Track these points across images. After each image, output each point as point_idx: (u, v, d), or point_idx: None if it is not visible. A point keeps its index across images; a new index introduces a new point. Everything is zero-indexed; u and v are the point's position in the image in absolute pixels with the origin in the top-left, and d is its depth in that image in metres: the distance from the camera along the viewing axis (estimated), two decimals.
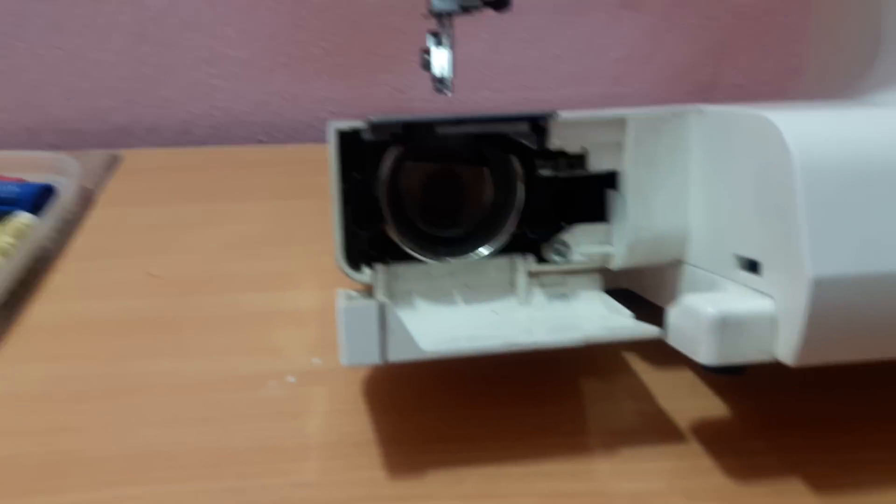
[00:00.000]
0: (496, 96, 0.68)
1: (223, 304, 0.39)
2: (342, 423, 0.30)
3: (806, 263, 0.22)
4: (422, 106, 0.67)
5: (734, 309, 0.24)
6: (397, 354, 0.25)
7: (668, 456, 0.27)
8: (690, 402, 0.30)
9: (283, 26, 0.64)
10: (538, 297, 0.31)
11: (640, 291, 0.34)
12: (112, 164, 0.59)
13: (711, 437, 0.28)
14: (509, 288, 0.31)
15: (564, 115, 0.29)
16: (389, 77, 0.66)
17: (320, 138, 0.66)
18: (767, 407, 0.30)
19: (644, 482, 0.26)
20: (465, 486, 0.26)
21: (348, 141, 0.29)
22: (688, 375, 0.32)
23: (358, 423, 0.29)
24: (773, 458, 0.27)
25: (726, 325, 0.24)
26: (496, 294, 0.31)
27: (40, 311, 0.38)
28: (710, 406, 0.30)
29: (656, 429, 0.29)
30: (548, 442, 0.28)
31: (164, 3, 0.62)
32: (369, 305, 0.25)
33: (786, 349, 0.24)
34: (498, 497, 0.26)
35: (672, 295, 0.31)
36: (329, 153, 0.30)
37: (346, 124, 0.29)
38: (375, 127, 0.29)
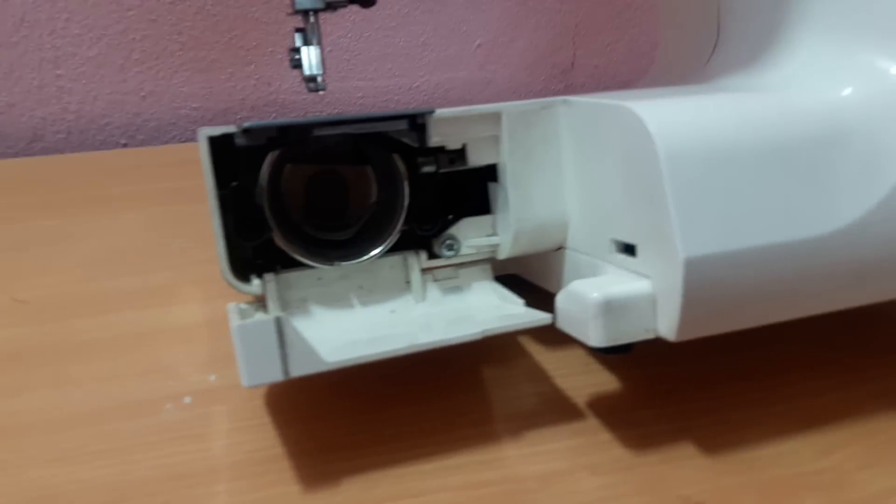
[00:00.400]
0: (366, 85, 0.68)
1: (103, 325, 0.37)
2: (246, 440, 0.29)
3: (677, 245, 0.24)
4: (290, 98, 0.66)
5: (616, 292, 0.25)
6: (299, 369, 0.24)
7: (569, 434, 0.29)
8: (584, 379, 0.32)
9: (133, 20, 0.60)
10: (433, 292, 0.32)
11: (527, 277, 0.35)
12: None
13: (606, 410, 0.30)
14: (405, 286, 0.32)
15: (441, 111, 0.29)
16: (253, 69, 0.65)
17: (185, 137, 0.64)
18: (653, 376, 0.32)
19: (550, 462, 0.27)
20: (380, 489, 0.26)
21: (221, 147, 0.28)
22: (579, 353, 0.34)
23: (263, 439, 0.29)
24: (664, 426, 0.29)
25: (610, 308, 0.25)
26: (392, 293, 0.32)
27: None
28: (602, 381, 0.32)
29: (556, 408, 0.30)
30: (455, 435, 0.29)
31: None
32: (265, 321, 0.24)
33: (666, 326, 0.25)
34: (412, 496, 0.26)
35: (557, 279, 0.32)
36: (202, 162, 0.28)
37: (218, 130, 0.28)
38: (249, 132, 0.28)
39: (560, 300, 0.27)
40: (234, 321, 0.25)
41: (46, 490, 0.26)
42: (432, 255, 0.32)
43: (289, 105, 0.64)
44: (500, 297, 0.32)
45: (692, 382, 0.32)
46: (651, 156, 0.25)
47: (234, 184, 0.29)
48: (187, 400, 0.31)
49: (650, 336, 0.26)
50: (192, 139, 0.63)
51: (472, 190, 0.31)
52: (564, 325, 0.27)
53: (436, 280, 0.32)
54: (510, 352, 0.34)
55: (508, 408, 0.30)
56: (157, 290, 0.40)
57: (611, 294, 0.25)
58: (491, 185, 0.31)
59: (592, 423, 0.30)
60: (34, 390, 0.32)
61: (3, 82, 0.59)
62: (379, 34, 0.67)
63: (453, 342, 0.26)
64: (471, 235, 0.32)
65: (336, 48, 0.64)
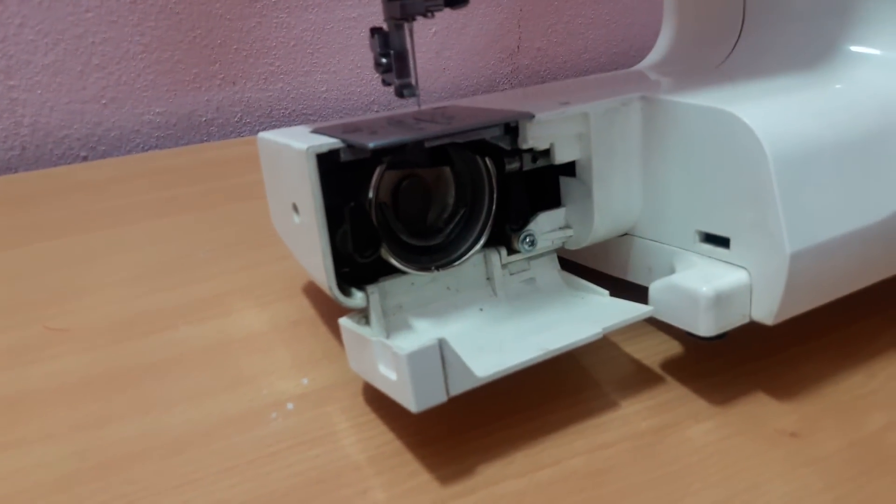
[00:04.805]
0: (329, 78, 0.68)
1: (163, 344, 0.37)
2: (370, 436, 0.30)
3: (784, 241, 0.27)
4: (255, 96, 0.65)
5: (723, 285, 0.28)
6: (457, 387, 0.25)
7: (661, 391, 0.32)
8: (643, 343, 0.35)
9: (92, 23, 0.57)
10: (511, 285, 0.34)
11: (580, 261, 0.38)
12: None
13: (677, 368, 0.33)
14: (485, 282, 0.33)
15: (540, 116, 0.31)
16: (218, 68, 0.63)
17: (148, 145, 0.62)
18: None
19: (658, 416, 0.30)
20: (515, 465, 0.28)
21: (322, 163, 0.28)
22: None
23: (387, 432, 0.30)
24: (730, 374, 0.33)
25: (719, 301, 0.28)
26: (477, 291, 0.33)
27: None
28: (658, 341, 0.35)
29: (639, 370, 0.33)
30: (562, 403, 0.31)
31: None
32: (432, 347, 0.25)
33: (765, 312, 0.29)
34: (550, 466, 0.28)
35: (623, 265, 0.35)
36: (308, 181, 0.28)
37: (324, 147, 0.28)
38: (353, 148, 0.28)
39: (659, 292, 0.30)
40: (400, 349, 0.25)
41: None
42: (510, 251, 0.33)
43: (253, 103, 0.63)
44: (575, 287, 0.34)
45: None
46: (758, 159, 0.27)
47: (351, 204, 0.29)
48: (290, 406, 0.32)
49: (745, 321, 0.29)
50: (156, 147, 0.61)
51: (549, 186, 0.34)
52: (665, 315, 0.30)
53: (511, 274, 0.34)
54: None
55: (599, 374, 0.33)
56: (203, 302, 0.40)
57: (720, 288, 0.28)
58: (563, 180, 0.34)
59: (671, 379, 0.33)
60: (121, 419, 0.31)
61: None
62: (341, 26, 0.67)
63: (580, 344, 0.29)
64: (546, 229, 0.34)
65: (299, 42, 0.64)
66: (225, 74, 0.63)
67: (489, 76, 0.74)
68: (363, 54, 0.69)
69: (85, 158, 0.61)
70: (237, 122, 0.63)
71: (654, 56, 0.44)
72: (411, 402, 0.25)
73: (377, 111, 0.69)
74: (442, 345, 0.25)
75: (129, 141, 0.62)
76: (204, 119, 0.62)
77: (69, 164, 0.60)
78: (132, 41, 0.59)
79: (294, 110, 0.65)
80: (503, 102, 0.36)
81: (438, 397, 0.25)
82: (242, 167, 0.57)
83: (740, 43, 0.38)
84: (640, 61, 0.44)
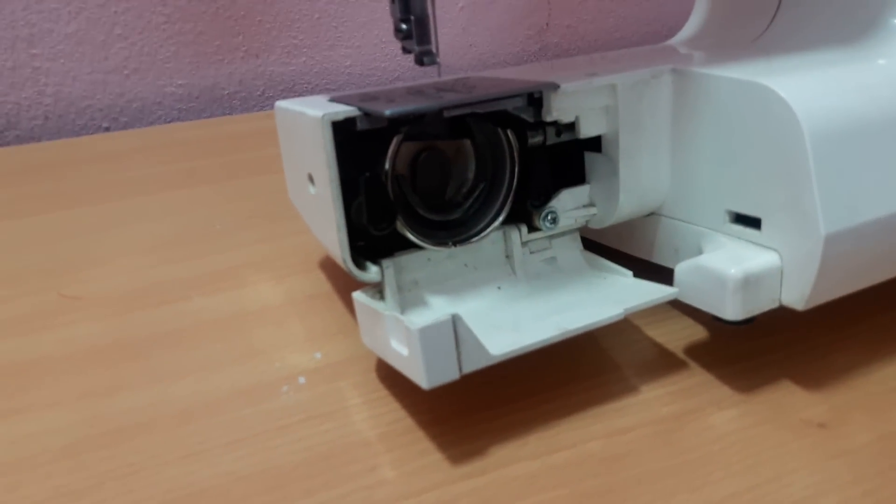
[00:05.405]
0: (353, 53, 0.67)
1: (176, 315, 0.36)
2: (381, 412, 0.29)
3: (819, 222, 0.26)
4: (278, 70, 0.64)
5: (752, 267, 0.27)
6: (470, 365, 0.25)
7: (685, 376, 0.31)
8: (667, 326, 0.34)
9: None
10: (531, 264, 0.32)
11: (602, 240, 0.37)
12: None
13: (702, 352, 0.32)
14: (504, 260, 0.32)
15: (565, 86, 0.29)
16: (241, 40, 0.62)
17: (170, 117, 0.61)
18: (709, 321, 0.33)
19: (680, 402, 0.29)
20: (528, 447, 0.27)
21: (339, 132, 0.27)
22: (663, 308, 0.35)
23: (397, 410, 0.29)
24: (758, 360, 0.32)
25: (748, 284, 0.27)
26: (495, 269, 0.32)
27: None
28: (682, 326, 0.34)
29: (661, 354, 0.32)
30: (581, 386, 0.30)
31: None
32: (444, 322, 0.24)
33: (796, 296, 0.27)
34: (566, 449, 0.27)
35: (648, 245, 0.34)
36: (324, 149, 0.27)
37: (340, 114, 0.27)
38: (369, 116, 0.27)
39: (685, 273, 0.29)
40: (412, 323, 0.24)
41: (194, 487, 0.26)
42: (531, 228, 0.32)
43: (276, 77, 0.63)
44: (598, 267, 0.33)
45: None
46: (794, 135, 0.26)
47: (367, 174, 0.28)
48: (302, 380, 0.31)
49: (774, 306, 0.28)
50: (179, 119, 0.61)
51: (572, 161, 0.32)
52: (690, 298, 0.29)
53: (532, 252, 0.33)
54: None
55: (620, 357, 0.32)
56: (218, 274, 0.40)
57: (749, 269, 0.27)
58: (588, 156, 0.32)
59: (694, 364, 0.31)
60: (130, 388, 0.31)
61: None
62: (365, 0, 0.66)
63: (600, 325, 0.27)
64: (569, 206, 0.32)
65: (323, 16, 0.63)
66: (248, 47, 0.63)
67: (517, 53, 0.73)
68: (387, 29, 0.68)
69: (107, 129, 0.60)
70: (259, 95, 0.62)
71: (686, 31, 0.43)
72: (423, 379, 0.24)
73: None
74: (455, 320, 0.24)
75: (152, 113, 0.62)
76: (226, 92, 0.61)
77: (91, 134, 0.60)
78: (155, 11, 0.58)
79: (317, 84, 0.64)
80: (528, 74, 0.34)
81: (451, 374, 0.25)
82: (264, 141, 0.56)
83: (777, 18, 0.36)
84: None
